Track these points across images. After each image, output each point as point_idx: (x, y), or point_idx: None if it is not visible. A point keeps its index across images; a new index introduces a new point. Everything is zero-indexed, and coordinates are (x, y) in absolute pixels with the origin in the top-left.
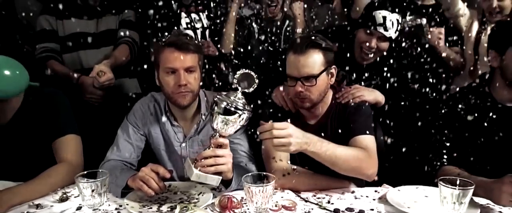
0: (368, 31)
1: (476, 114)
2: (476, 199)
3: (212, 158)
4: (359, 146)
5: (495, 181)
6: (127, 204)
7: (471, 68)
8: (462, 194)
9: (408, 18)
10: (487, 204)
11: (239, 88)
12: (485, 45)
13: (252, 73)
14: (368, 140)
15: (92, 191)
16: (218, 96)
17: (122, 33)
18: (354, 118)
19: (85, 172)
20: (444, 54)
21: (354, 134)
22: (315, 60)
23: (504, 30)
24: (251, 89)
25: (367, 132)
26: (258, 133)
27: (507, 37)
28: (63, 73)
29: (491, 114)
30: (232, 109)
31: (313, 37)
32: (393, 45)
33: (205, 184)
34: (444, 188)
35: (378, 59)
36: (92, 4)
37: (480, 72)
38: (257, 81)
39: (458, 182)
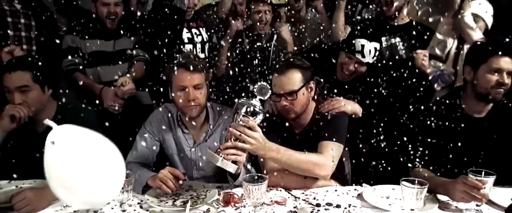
0: (348, 56)
1: (447, 123)
2: (439, 196)
3: (233, 149)
4: (321, 150)
5: (452, 181)
6: (148, 199)
7: None
8: (419, 192)
9: (383, 38)
10: (447, 200)
11: (257, 95)
12: (461, 61)
13: (267, 85)
14: (331, 146)
15: (122, 188)
16: (240, 101)
17: (137, 52)
18: (326, 125)
19: None
20: (428, 71)
21: (322, 139)
22: (294, 78)
23: (479, 49)
24: (266, 97)
25: (334, 139)
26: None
27: (481, 55)
28: (86, 84)
29: (460, 123)
30: (251, 110)
31: (291, 59)
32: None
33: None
34: (405, 187)
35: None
36: (109, 27)
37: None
38: (270, 91)
39: (416, 182)
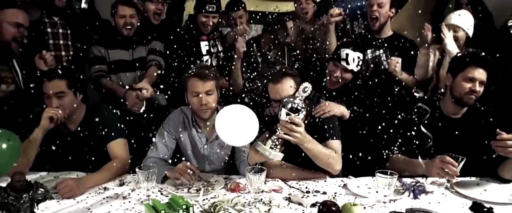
0: (335, 63)
1: (426, 122)
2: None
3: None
4: (330, 149)
5: (430, 161)
6: (167, 188)
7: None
8: (390, 182)
9: (368, 51)
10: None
11: (300, 93)
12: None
13: (310, 85)
14: (336, 144)
15: (147, 178)
16: (286, 99)
17: (150, 58)
18: (324, 127)
19: (141, 166)
20: (400, 77)
21: (326, 139)
22: (288, 84)
23: (459, 60)
24: (307, 93)
25: (335, 137)
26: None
27: (460, 65)
28: (112, 88)
29: (438, 123)
30: (295, 107)
31: (283, 69)
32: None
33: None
34: (379, 177)
35: (348, 84)
36: (125, 35)
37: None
38: (311, 89)
39: (388, 173)
